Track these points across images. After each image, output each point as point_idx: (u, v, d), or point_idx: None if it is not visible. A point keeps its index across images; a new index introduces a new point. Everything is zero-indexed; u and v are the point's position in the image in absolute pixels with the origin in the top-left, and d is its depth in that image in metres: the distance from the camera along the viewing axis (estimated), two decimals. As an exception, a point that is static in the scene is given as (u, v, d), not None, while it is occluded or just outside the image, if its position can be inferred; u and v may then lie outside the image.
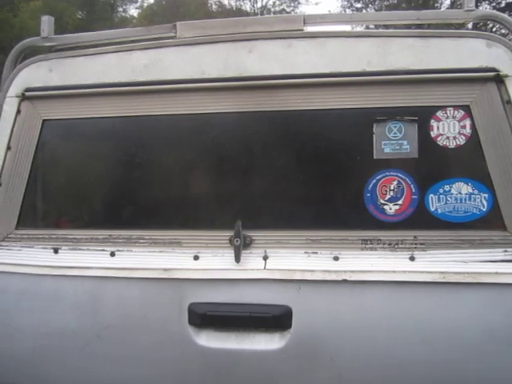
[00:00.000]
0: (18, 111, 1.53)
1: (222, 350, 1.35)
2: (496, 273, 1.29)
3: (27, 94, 1.52)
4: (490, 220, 1.34)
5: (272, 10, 26.12)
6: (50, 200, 1.59)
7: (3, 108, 1.53)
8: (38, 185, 1.54)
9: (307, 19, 1.43)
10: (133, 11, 31.79)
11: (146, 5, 31.42)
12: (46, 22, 1.52)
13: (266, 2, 27.32)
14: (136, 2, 32.25)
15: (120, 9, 31.82)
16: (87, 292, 1.42)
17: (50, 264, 1.45)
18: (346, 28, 1.58)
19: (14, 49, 1.56)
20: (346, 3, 20.96)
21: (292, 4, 27.16)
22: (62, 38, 1.55)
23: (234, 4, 27.24)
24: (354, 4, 20.75)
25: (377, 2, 20.53)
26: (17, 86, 1.53)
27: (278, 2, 27.38)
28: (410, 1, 18.79)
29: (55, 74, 1.52)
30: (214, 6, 27.64)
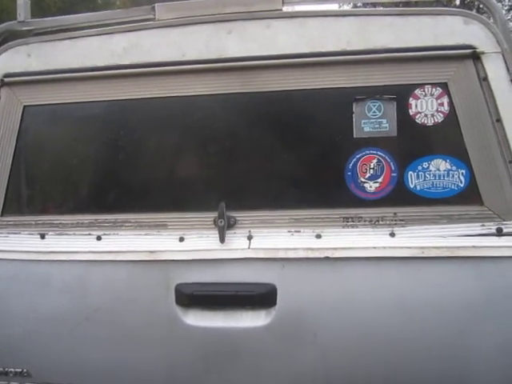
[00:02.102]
0: None
1: (210, 329, 1.39)
2: (473, 246, 1.32)
3: (6, 80, 1.51)
4: (468, 195, 1.37)
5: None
6: (35, 186, 1.59)
7: None
8: (21, 171, 1.54)
9: (286, -1, 1.43)
10: (118, -5, 31.12)
11: (131, -13, 30.73)
12: (22, 6, 1.49)
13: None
14: (121, -16, 31.55)
15: (105, -7, 31.12)
16: (75, 276, 1.44)
17: (37, 249, 1.46)
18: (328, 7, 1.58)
19: None
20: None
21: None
22: (40, 21, 1.53)
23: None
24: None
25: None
26: None
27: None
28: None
29: (34, 59, 1.51)
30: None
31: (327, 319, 1.35)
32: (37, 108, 1.53)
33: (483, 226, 1.35)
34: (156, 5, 1.46)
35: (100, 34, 1.49)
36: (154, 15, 1.47)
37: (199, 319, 1.40)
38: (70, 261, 1.44)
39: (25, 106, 1.52)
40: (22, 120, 1.51)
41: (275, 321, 1.36)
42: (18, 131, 1.51)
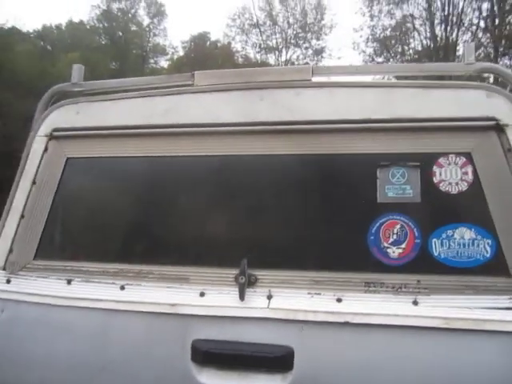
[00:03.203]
0: (46, 149, 1.65)
1: None
2: (501, 320, 1.27)
3: (55, 133, 1.65)
4: (494, 266, 1.34)
5: (296, 63, 27.07)
6: (67, 233, 1.67)
7: (32, 146, 1.65)
8: (57, 218, 1.63)
9: (315, 70, 1.53)
10: (163, 63, 33.57)
11: (175, 57, 33.19)
12: (77, 70, 1.68)
13: (291, 56, 28.43)
14: (166, 54, 34.16)
15: (151, 60, 33.69)
16: (95, 324, 1.46)
17: (62, 295, 1.50)
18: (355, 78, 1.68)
19: (47, 93, 1.70)
20: (367, 58, 21.62)
21: (315, 58, 28.15)
22: (90, 83, 1.70)
23: (259, 57, 28.42)
24: (375, 59, 21.38)
25: (398, 57, 21.14)
26: (46, 127, 1.66)
27: (301, 56, 28.46)
28: (431, 56, 19.28)
29: (81, 117, 1.65)
30: (240, 59, 28.91)
31: None
32: (78, 160, 1.64)
33: (511, 299, 1.30)
34: (196, 72, 1.60)
35: (142, 97, 1.62)
36: (193, 81, 1.60)
37: (213, 378, 1.37)
38: (93, 308, 1.46)
39: (68, 158, 1.63)
40: (63, 170, 1.62)
41: None
42: (59, 181, 1.62)
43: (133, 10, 33.53)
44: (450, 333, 1.28)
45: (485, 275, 1.34)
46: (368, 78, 1.69)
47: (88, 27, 32.25)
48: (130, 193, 1.64)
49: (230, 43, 29.86)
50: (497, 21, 17.75)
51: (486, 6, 18.12)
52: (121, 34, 32.68)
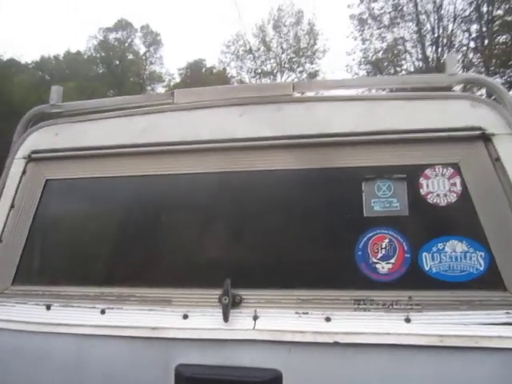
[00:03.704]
0: (24, 172, 1.61)
1: None
2: (499, 336, 1.21)
3: (33, 155, 1.62)
4: (489, 279, 1.29)
5: (290, 86, 27.31)
6: (46, 257, 1.62)
7: (11, 169, 1.62)
8: (36, 242, 1.58)
9: (296, 85, 1.51)
10: (160, 89, 34.03)
11: (172, 84, 33.67)
12: (55, 91, 1.65)
13: (285, 80, 28.84)
14: (163, 81, 34.68)
15: (148, 87, 34.17)
16: (76, 350, 1.39)
17: (40, 321, 1.44)
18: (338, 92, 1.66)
19: (25, 115, 1.67)
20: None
21: (308, 80, 28.54)
22: (69, 104, 1.67)
23: (254, 81, 28.81)
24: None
25: (384, 73, 21.42)
26: (24, 149, 1.63)
27: (296, 80, 28.87)
28: (418, 71, 19.54)
29: (60, 138, 1.62)
30: (235, 84, 29.31)
31: None
32: (57, 182, 1.60)
33: (508, 313, 1.25)
34: (175, 90, 1.58)
35: (122, 116, 1.60)
36: (173, 100, 1.57)
37: None
38: (72, 334, 1.40)
39: (47, 180, 1.60)
40: (42, 193, 1.58)
41: None
42: (38, 204, 1.57)
43: (129, 40, 34.25)
44: (445, 351, 1.21)
45: (479, 289, 1.29)
46: (353, 92, 1.67)
47: (85, 57, 32.85)
48: (110, 214, 1.60)
49: (225, 69, 30.36)
50: (486, 41, 18.10)
51: (475, 27, 18.52)
52: (118, 62, 33.28)
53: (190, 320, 1.37)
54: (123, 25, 33.58)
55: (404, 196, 1.37)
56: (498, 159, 1.34)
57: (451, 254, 1.32)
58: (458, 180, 1.36)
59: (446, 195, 1.36)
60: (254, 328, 1.32)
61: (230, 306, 1.33)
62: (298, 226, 1.44)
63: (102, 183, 1.58)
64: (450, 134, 1.38)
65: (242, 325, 1.33)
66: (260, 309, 1.36)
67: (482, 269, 1.30)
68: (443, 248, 1.33)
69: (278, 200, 1.47)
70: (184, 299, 1.41)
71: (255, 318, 1.34)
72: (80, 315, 1.44)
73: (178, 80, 33.46)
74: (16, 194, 1.59)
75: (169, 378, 1.31)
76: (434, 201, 1.36)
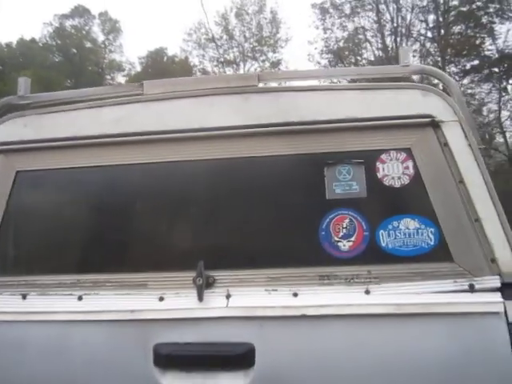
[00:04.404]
0: None
1: None
2: (448, 303, 1.35)
3: (1, 147, 1.62)
4: (439, 253, 1.42)
5: (254, 75, 27.23)
6: (20, 247, 1.63)
7: None
8: (8, 233, 1.60)
9: (261, 76, 1.59)
10: (120, 79, 33.14)
11: (133, 73, 32.88)
12: (23, 83, 1.66)
13: (248, 69, 28.74)
14: (123, 70, 33.77)
15: (108, 77, 33.19)
16: (55, 337, 1.43)
17: (17, 310, 1.47)
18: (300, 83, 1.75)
19: None
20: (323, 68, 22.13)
21: (273, 70, 28.60)
22: (37, 96, 1.68)
23: (216, 71, 28.57)
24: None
25: (352, 67, 21.77)
26: None
27: (259, 69, 28.82)
28: (383, 65, 19.98)
29: (30, 129, 1.63)
30: (198, 73, 28.95)
31: (306, 379, 1.34)
32: (28, 173, 1.62)
33: (455, 282, 1.39)
34: (144, 81, 1.62)
35: (91, 107, 1.63)
36: (142, 90, 1.62)
37: (177, 381, 1.38)
38: (50, 321, 1.44)
39: (17, 172, 1.61)
40: (13, 184, 1.59)
41: (253, 382, 1.34)
42: (9, 194, 1.59)
43: (87, 27, 33.06)
44: (402, 318, 1.34)
45: (430, 262, 1.42)
46: (314, 83, 1.77)
47: (41, 45, 31.48)
48: (82, 203, 1.63)
49: (187, 58, 29.89)
50: (442, 31, 18.71)
51: (432, 17, 19.08)
52: (75, 51, 32.06)
53: (166, 302, 1.45)
54: (80, 11, 32.35)
55: (362, 179, 1.48)
56: (446, 144, 1.47)
57: (405, 231, 1.44)
58: (410, 163, 1.48)
59: (400, 178, 1.48)
60: (227, 306, 1.41)
61: (203, 286, 1.41)
62: (265, 210, 1.53)
63: (73, 173, 1.61)
64: (403, 122, 1.49)
65: (216, 303, 1.41)
66: (232, 288, 1.44)
67: (432, 243, 1.43)
68: (398, 226, 1.45)
69: (247, 185, 1.55)
70: (159, 282, 1.48)
71: (228, 296, 1.43)
72: (57, 303, 1.48)
73: (138, 69, 32.71)
74: None
75: (148, 356, 1.38)
76: (390, 183, 1.48)
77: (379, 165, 1.49)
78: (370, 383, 1.32)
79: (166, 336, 1.40)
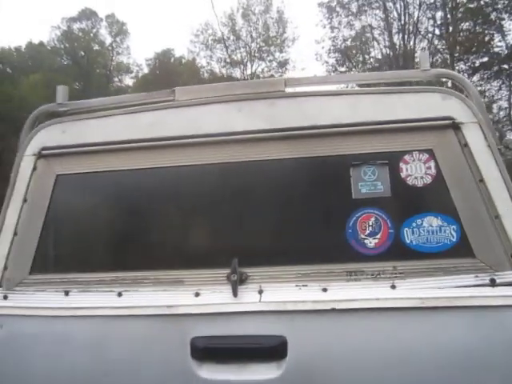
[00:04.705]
0: (34, 168, 1.71)
1: (224, 382, 1.44)
2: (470, 296, 1.42)
3: (43, 152, 1.72)
4: (460, 249, 1.48)
5: (261, 76, 27.42)
6: (62, 247, 1.73)
7: (20, 165, 1.71)
8: (50, 233, 1.69)
9: (288, 82, 1.67)
10: (128, 81, 33.40)
11: (140, 75, 33.10)
12: (61, 91, 1.75)
13: (256, 69, 28.83)
14: (131, 72, 34.03)
15: (116, 79, 33.47)
16: (96, 331, 1.52)
17: (60, 306, 1.56)
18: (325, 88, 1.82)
19: (32, 114, 1.77)
20: (330, 68, 22.20)
21: (280, 70, 28.64)
22: (75, 103, 1.78)
23: (224, 72, 28.68)
24: (338, 68, 21.96)
25: (360, 66, 21.79)
26: (33, 146, 1.73)
27: (266, 69, 28.90)
28: (391, 63, 19.99)
29: (68, 135, 1.73)
30: (205, 74, 29.09)
31: (335, 369, 1.41)
32: (67, 176, 1.71)
33: (477, 277, 1.45)
34: (176, 88, 1.71)
35: (125, 113, 1.72)
36: (174, 97, 1.70)
37: (213, 373, 1.45)
38: (92, 316, 1.52)
39: (57, 175, 1.70)
40: (54, 187, 1.69)
41: (286, 373, 1.41)
42: (50, 197, 1.68)
43: (94, 30, 33.34)
44: (426, 311, 1.41)
45: (452, 258, 1.48)
46: (334, 87, 1.84)
47: (49, 48, 31.80)
48: (120, 204, 1.72)
49: (194, 59, 30.04)
50: (451, 28, 18.65)
51: (440, 14, 19.04)
52: (83, 53, 32.36)
53: (202, 297, 1.52)
54: (87, 14, 32.68)
55: (387, 179, 1.55)
56: (466, 145, 1.53)
57: (428, 228, 1.51)
58: (432, 164, 1.55)
59: (422, 177, 1.54)
60: (260, 301, 1.48)
61: (238, 282, 1.49)
62: (295, 210, 1.61)
63: (109, 176, 1.69)
64: (425, 124, 1.56)
65: (249, 298, 1.49)
66: (264, 284, 1.52)
67: (454, 240, 1.49)
68: (421, 223, 1.52)
69: (277, 187, 1.63)
70: (195, 279, 1.56)
71: (260, 292, 1.51)
72: (98, 299, 1.56)
73: (146, 71, 32.95)
74: (28, 189, 1.69)
75: (185, 350, 1.46)
76: (413, 183, 1.55)
77: (402, 165, 1.55)
78: (396, 373, 1.39)
79: (203, 330, 1.47)
